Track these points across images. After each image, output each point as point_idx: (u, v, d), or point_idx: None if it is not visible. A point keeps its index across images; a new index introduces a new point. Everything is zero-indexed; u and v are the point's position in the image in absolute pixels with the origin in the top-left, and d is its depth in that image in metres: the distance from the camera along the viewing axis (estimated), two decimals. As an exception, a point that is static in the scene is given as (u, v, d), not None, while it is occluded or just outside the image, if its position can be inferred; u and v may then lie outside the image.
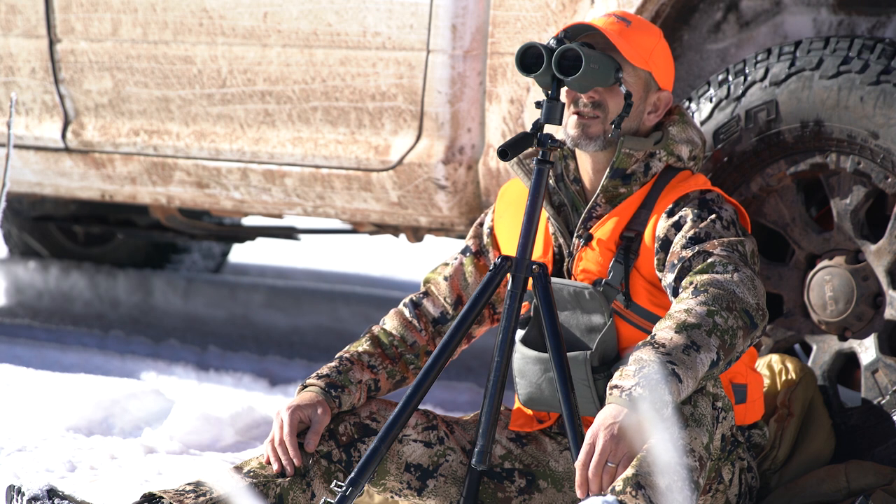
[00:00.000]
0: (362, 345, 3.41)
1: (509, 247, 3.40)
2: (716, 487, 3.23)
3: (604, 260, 3.28)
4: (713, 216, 3.22)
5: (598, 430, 2.94)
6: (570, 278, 3.34)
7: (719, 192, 3.29)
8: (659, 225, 3.26)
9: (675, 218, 3.24)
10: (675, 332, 3.01)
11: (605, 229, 3.29)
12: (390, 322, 3.47)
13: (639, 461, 2.95)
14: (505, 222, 3.45)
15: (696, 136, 3.37)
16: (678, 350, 2.98)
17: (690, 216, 3.22)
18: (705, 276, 3.11)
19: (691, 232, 3.20)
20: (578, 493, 2.97)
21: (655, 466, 2.94)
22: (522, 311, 3.31)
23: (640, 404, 2.94)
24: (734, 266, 3.13)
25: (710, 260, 3.14)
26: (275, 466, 3.23)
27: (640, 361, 2.96)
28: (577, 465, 2.97)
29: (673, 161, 3.33)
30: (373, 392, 3.37)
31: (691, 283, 3.11)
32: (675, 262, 3.18)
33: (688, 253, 3.17)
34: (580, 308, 3.28)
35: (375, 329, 3.46)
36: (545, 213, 3.36)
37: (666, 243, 3.24)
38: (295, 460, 3.23)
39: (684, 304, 3.06)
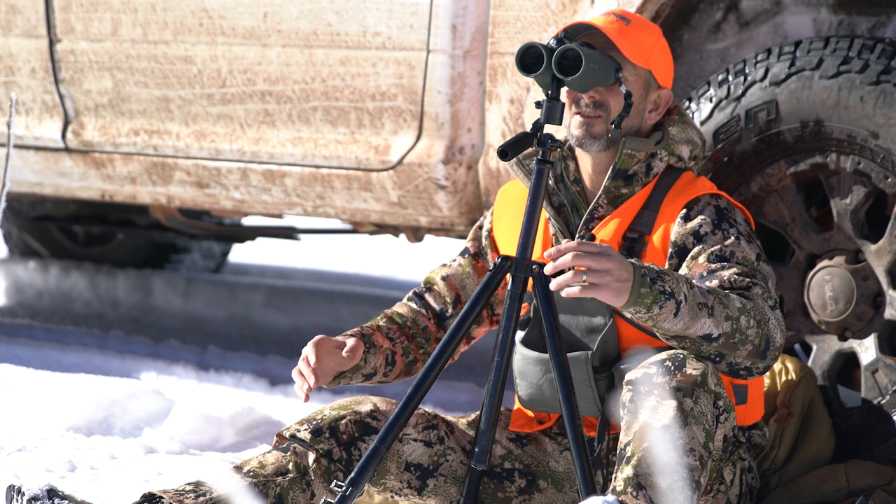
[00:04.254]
0: (378, 321, 3.43)
1: (509, 248, 3.40)
2: (717, 488, 3.23)
3: (605, 260, 3.28)
4: (735, 231, 3.23)
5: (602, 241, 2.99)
6: (570, 278, 3.34)
7: (728, 199, 3.30)
8: (673, 230, 3.25)
9: (693, 225, 3.23)
10: (707, 292, 3.05)
11: (607, 230, 3.29)
12: (400, 309, 3.48)
13: (639, 460, 2.95)
14: (504, 223, 3.45)
15: (695, 135, 3.38)
16: (695, 297, 3.02)
17: (710, 228, 3.23)
18: (752, 294, 3.13)
19: (716, 247, 3.20)
20: (547, 269, 2.99)
21: (656, 466, 2.94)
22: (522, 311, 3.31)
23: (642, 272, 2.99)
24: (774, 303, 3.16)
25: (754, 290, 3.15)
26: (300, 389, 3.22)
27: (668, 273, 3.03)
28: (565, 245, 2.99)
29: (674, 161, 3.34)
30: (388, 366, 3.37)
31: (737, 290, 3.14)
32: (705, 273, 3.18)
33: (723, 272, 3.19)
34: (581, 308, 3.28)
35: (388, 311, 3.47)
36: (545, 214, 3.36)
37: (683, 251, 3.24)
38: (315, 377, 3.21)
39: (729, 292, 3.11)
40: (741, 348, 3.09)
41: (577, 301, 3.27)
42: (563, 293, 3.00)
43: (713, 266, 3.18)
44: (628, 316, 3.08)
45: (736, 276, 3.16)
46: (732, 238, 3.22)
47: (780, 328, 3.15)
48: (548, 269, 3.01)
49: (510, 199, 3.46)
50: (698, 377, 3.05)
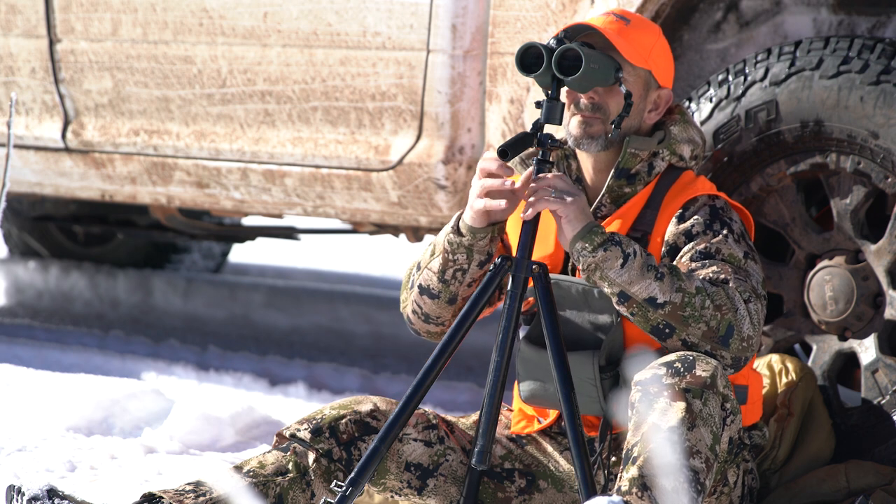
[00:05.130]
0: None
1: (515, 241, 3.39)
2: (720, 490, 3.24)
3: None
4: (725, 230, 3.23)
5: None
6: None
7: (726, 199, 3.30)
8: (668, 230, 3.26)
9: (686, 225, 3.24)
10: (663, 265, 3.14)
11: (611, 229, 3.29)
12: None
13: (645, 461, 2.95)
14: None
15: (696, 135, 3.38)
16: (647, 260, 3.13)
17: (702, 228, 3.23)
18: (725, 287, 3.14)
19: (702, 245, 3.21)
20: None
21: (662, 468, 2.94)
22: (526, 306, 3.31)
23: (593, 227, 3.15)
24: (751, 296, 3.16)
25: (729, 285, 3.16)
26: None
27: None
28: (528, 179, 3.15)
29: (675, 160, 3.34)
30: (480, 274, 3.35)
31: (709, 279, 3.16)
32: (685, 271, 3.18)
33: (700, 269, 3.19)
34: (588, 307, 3.28)
35: None
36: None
37: (674, 250, 3.25)
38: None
39: (691, 273, 3.16)
40: (693, 325, 3.10)
41: (585, 299, 3.27)
42: (529, 200, 3.15)
43: (694, 265, 3.20)
44: (576, 255, 3.14)
45: (712, 276, 3.17)
46: (720, 236, 3.23)
47: (752, 322, 3.14)
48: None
49: None
50: (707, 379, 3.06)
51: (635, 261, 3.12)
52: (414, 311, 3.41)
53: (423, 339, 3.49)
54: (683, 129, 3.35)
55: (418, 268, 3.39)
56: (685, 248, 3.23)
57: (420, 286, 3.36)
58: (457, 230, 3.29)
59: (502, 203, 3.19)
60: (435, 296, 3.35)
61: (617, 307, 3.16)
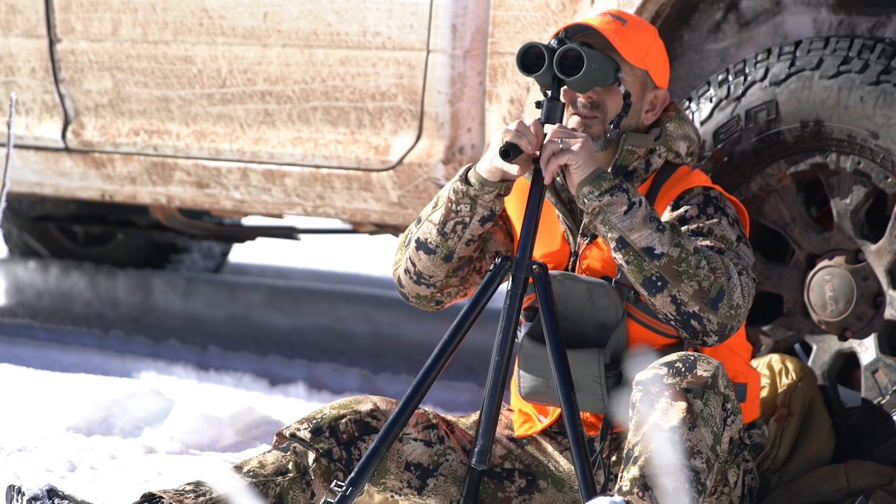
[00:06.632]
0: None
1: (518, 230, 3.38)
2: (721, 490, 3.24)
3: (610, 258, 3.28)
4: (719, 214, 3.23)
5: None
6: (575, 276, 3.34)
7: (721, 191, 3.30)
8: (663, 217, 3.26)
9: (680, 212, 3.25)
10: (667, 223, 3.14)
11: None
12: None
13: (646, 461, 2.95)
14: (513, 206, 3.43)
15: (692, 132, 3.38)
16: (651, 213, 3.13)
17: (696, 213, 3.24)
18: (720, 254, 3.15)
19: (695, 225, 3.22)
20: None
21: (663, 468, 2.94)
22: (527, 302, 3.31)
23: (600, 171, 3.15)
24: (743, 268, 3.16)
25: (725, 254, 3.16)
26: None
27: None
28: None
29: (672, 157, 3.35)
30: (483, 233, 3.34)
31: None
32: None
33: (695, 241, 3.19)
34: (593, 304, 3.27)
35: None
36: (556, 210, 3.36)
37: None
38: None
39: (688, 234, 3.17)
40: (686, 282, 3.10)
41: (590, 296, 3.27)
42: (547, 155, 3.14)
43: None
44: (582, 198, 3.14)
45: (708, 245, 3.17)
46: (714, 219, 3.23)
47: (743, 292, 3.14)
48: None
49: (517, 183, 3.42)
50: (709, 379, 3.06)
51: (639, 210, 3.13)
52: (406, 271, 3.37)
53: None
54: (679, 126, 3.36)
55: (418, 222, 3.36)
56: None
57: (418, 240, 3.33)
58: (465, 179, 3.28)
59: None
60: (431, 251, 3.32)
61: (613, 254, 3.16)
